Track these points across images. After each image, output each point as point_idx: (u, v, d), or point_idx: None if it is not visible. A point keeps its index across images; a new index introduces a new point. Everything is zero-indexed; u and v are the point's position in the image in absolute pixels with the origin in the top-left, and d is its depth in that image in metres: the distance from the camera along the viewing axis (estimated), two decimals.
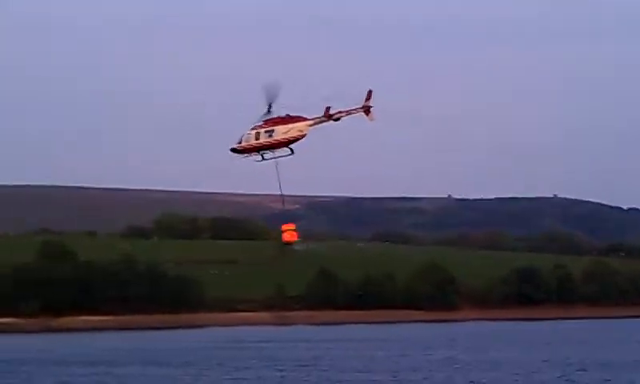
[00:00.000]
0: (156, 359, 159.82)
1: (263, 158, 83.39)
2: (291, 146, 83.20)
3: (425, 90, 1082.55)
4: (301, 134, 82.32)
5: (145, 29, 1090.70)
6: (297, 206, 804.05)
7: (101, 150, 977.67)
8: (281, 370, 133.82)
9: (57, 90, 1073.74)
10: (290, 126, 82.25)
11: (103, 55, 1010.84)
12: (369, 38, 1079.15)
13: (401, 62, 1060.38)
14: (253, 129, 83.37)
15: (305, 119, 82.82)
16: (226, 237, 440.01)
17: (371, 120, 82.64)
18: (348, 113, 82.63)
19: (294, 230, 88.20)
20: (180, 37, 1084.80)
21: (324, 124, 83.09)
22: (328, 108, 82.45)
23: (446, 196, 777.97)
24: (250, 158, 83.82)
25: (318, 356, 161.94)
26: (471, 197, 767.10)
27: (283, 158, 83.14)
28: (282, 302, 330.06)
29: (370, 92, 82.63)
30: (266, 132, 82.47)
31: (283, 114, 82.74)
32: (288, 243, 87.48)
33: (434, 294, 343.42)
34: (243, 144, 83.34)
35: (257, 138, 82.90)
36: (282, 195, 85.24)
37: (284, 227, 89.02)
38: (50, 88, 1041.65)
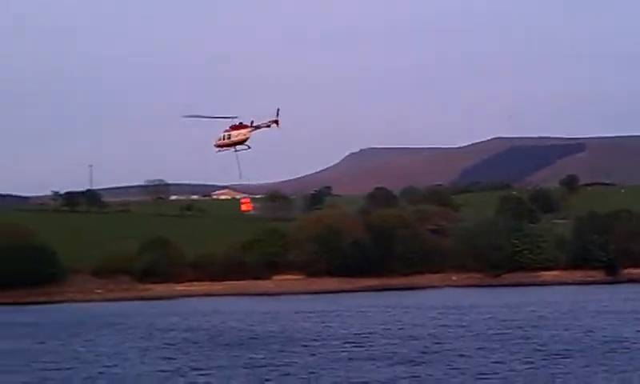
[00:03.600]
0: None
1: (235, 150, 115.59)
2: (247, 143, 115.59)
3: None
4: (245, 137, 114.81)
5: None
6: None
7: None
8: None
9: None
10: (239, 131, 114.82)
11: None
12: None
13: None
14: (223, 132, 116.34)
15: (246, 127, 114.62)
16: None
17: (279, 128, 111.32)
18: (268, 123, 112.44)
19: (249, 203, 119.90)
20: None
21: (260, 130, 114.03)
22: (252, 121, 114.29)
23: None
24: (226, 151, 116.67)
25: None
26: None
27: None
28: None
29: (278, 109, 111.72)
30: (227, 135, 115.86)
31: (237, 123, 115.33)
32: (245, 212, 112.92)
33: None
34: (218, 142, 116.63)
35: (223, 139, 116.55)
36: (240, 174, 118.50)
37: (242, 200, 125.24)
38: None
